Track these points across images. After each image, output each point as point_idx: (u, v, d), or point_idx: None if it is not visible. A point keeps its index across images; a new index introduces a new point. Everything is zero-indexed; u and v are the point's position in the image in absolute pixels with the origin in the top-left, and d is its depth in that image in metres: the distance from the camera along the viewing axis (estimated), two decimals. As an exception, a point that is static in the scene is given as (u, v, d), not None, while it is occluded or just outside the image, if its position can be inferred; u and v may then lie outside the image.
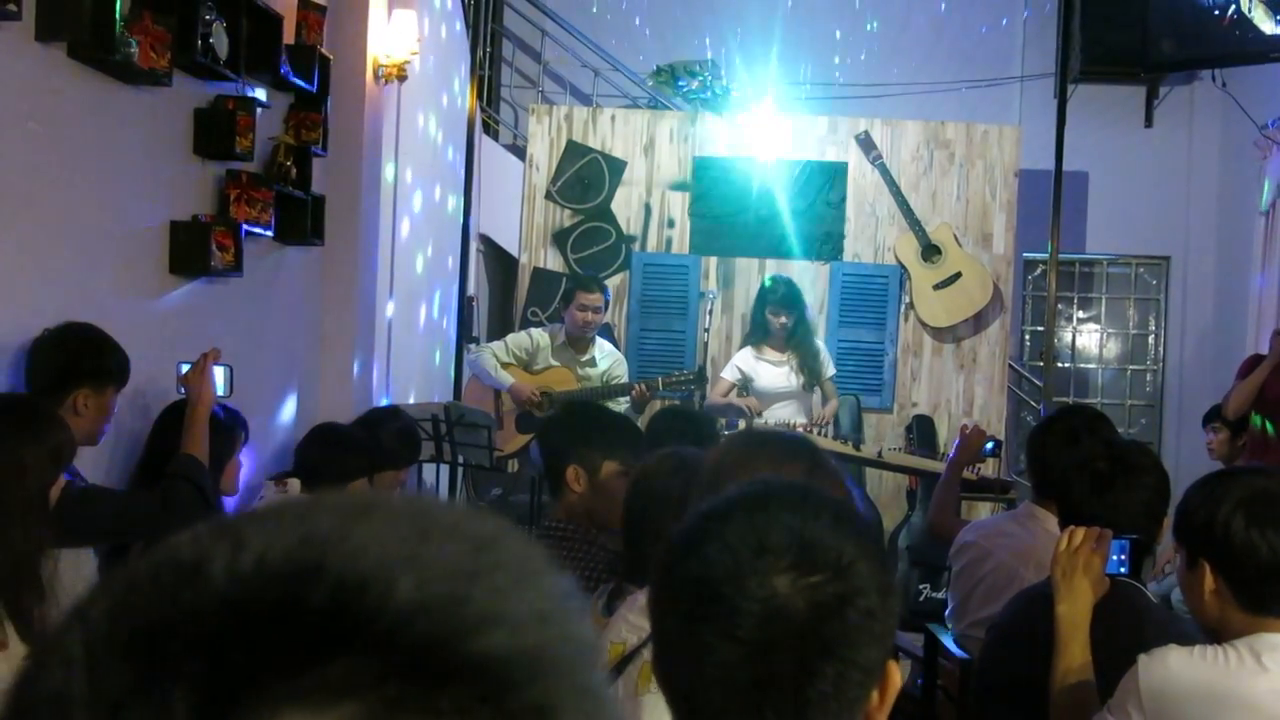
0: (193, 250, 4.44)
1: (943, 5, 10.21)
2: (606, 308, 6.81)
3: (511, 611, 0.54)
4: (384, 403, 6.32)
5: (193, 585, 0.52)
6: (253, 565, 0.52)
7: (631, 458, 3.38)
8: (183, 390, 3.86)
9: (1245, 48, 6.43)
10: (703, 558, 1.28)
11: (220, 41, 4.45)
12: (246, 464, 4.34)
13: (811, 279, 8.00)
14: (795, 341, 6.90)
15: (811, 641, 1.24)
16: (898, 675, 1.31)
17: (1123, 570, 2.85)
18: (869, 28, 10.20)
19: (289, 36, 5.17)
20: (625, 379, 6.74)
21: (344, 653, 0.50)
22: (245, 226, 4.72)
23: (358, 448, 4.53)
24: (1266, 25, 6.28)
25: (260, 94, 4.87)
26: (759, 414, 6.71)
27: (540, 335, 6.83)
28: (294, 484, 4.51)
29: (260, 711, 0.48)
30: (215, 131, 4.57)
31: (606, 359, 6.76)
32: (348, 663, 0.49)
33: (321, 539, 0.53)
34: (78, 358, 3.53)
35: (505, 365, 6.71)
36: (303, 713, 0.48)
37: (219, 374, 3.94)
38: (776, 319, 6.83)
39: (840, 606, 1.25)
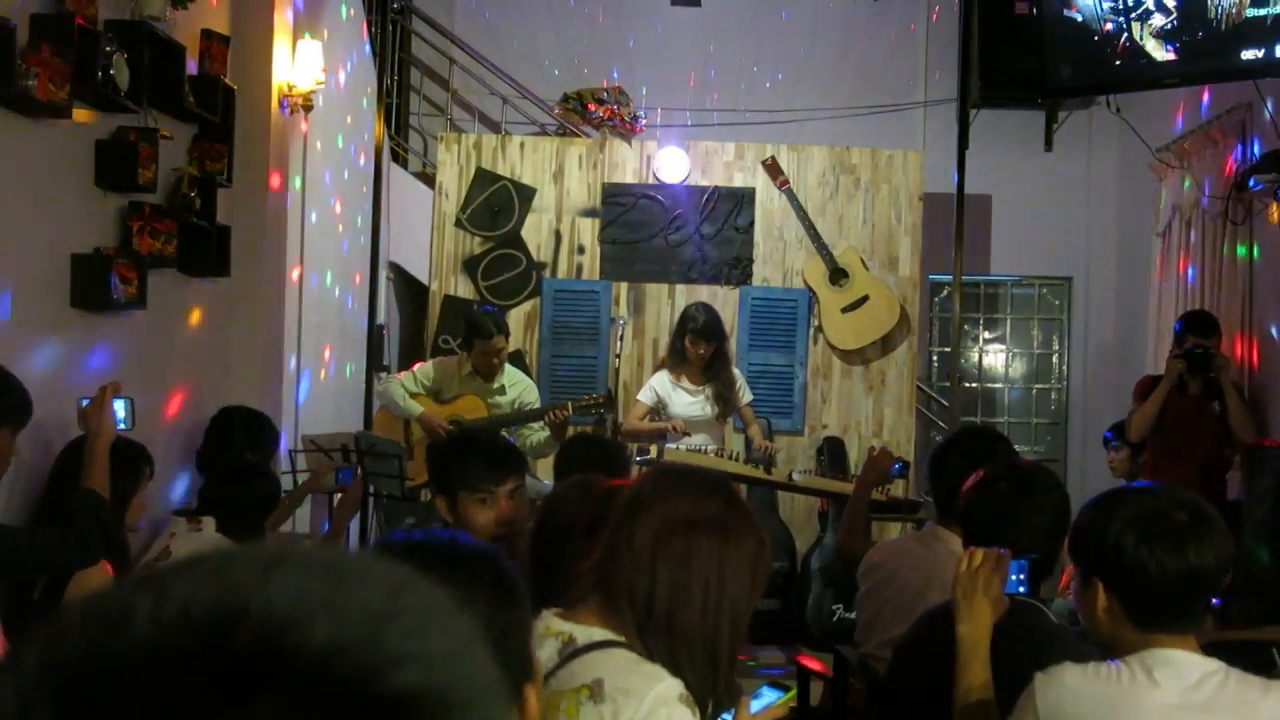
0: (94, 283, 4.38)
1: (846, 33, 10.36)
2: (508, 339, 6.75)
3: (422, 651, 0.57)
4: (291, 433, 6.28)
5: (119, 633, 0.54)
6: (177, 612, 0.55)
7: (489, 483, 3.32)
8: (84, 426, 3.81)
9: (1138, 74, 6.59)
10: None
11: (121, 72, 4.41)
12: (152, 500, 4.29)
13: (721, 303, 8.05)
14: (713, 373, 6.92)
15: None
16: (534, 701, 1.32)
17: (1022, 590, 2.90)
18: (775, 54, 10.31)
19: (192, 67, 5.13)
20: (537, 405, 6.72)
21: (269, 690, 0.52)
22: (148, 258, 4.67)
23: (266, 474, 4.51)
24: (1157, 53, 6.44)
25: (163, 125, 4.83)
26: (685, 433, 6.70)
27: (449, 364, 6.78)
28: (208, 522, 4.42)
29: None
30: (117, 163, 4.53)
31: (516, 387, 6.72)
32: (273, 700, 0.52)
33: (241, 586, 0.56)
34: None
35: (414, 395, 6.65)
36: None
37: (120, 407, 3.89)
38: (695, 348, 6.82)
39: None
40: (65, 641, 0.55)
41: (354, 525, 7.34)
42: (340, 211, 7.50)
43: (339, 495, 5.35)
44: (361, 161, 8.04)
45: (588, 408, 6.64)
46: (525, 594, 1.46)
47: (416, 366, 6.91)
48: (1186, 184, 8.19)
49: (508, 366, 6.80)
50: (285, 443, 5.88)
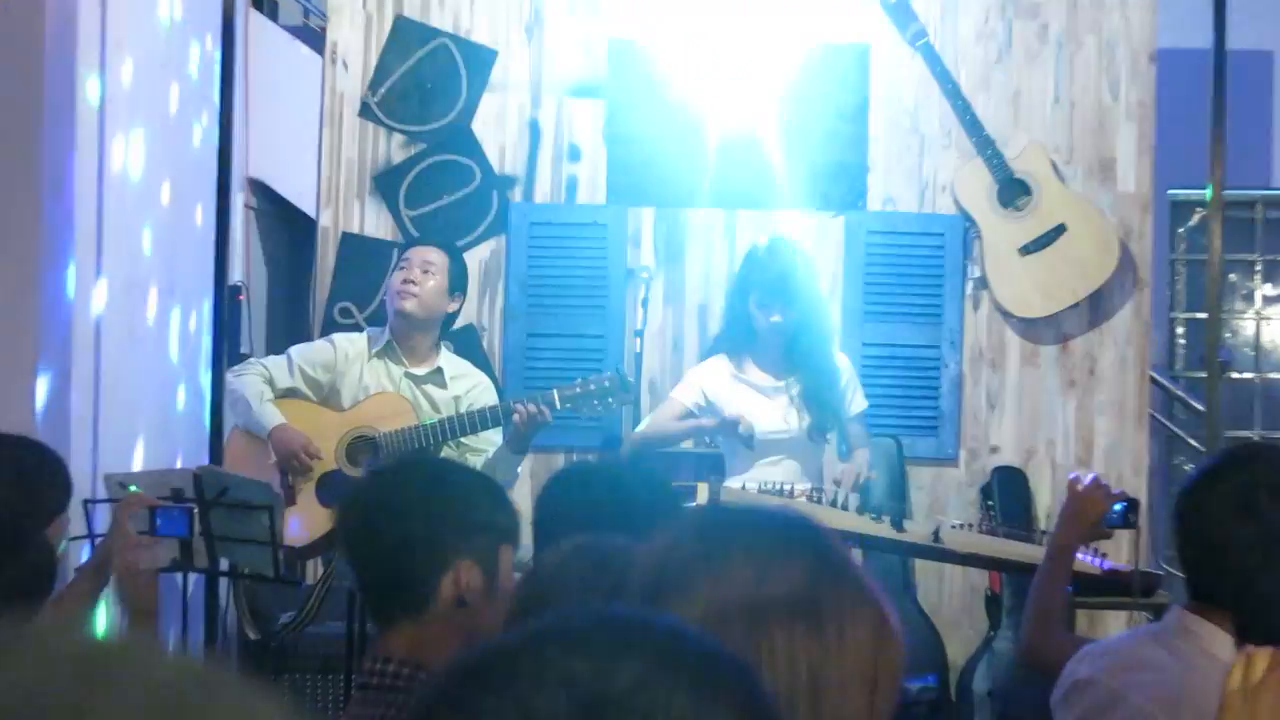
0: None
1: None
2: (462, 284, 6.82)
3: None
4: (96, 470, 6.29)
5: None
6: None
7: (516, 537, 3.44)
8: None
9: None
10: None
11: None
12: None
13: (816, 241, 8.03)
14: (800, 356, 6.88)
15: None
16: None
17: (1341, 721, 2.87)
18: None
19: None
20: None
21: None
22: None
23: (25, 539, 4.51)
24: None
25: None
26: (750, 434, 6.61)
27: (350, 342, 6.79)
28: None
29: None
30: None
31: (462, 380, 6.74)
32: None
33: None
34: None
35: (284, 396, 6.65)
36: None
37: None
38: (768, 315, 6.77)
39: None
40: None
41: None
42: (166, 100, 7.49)
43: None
44: (202, 14, 8.02)
45: (585, 398, 6.60)
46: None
47: (295, 348, 6.92)
48: None
49: (452, 356, 6.81)
50: (77, 487, 5.88)
